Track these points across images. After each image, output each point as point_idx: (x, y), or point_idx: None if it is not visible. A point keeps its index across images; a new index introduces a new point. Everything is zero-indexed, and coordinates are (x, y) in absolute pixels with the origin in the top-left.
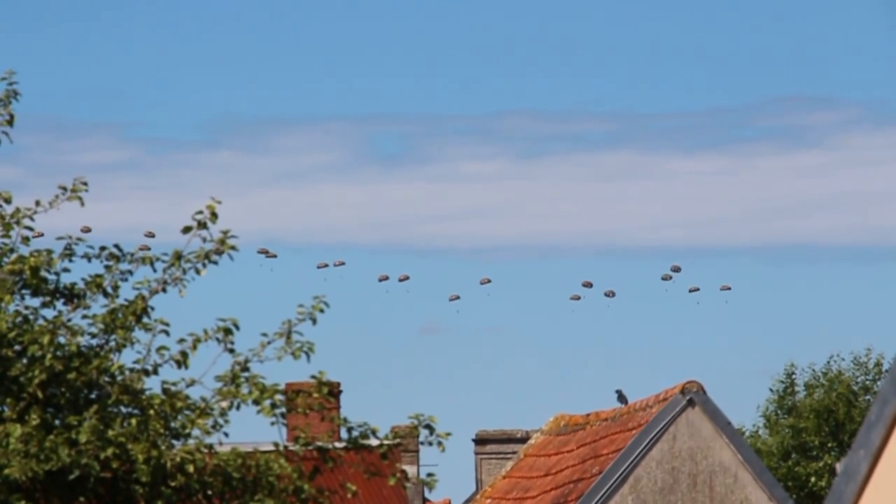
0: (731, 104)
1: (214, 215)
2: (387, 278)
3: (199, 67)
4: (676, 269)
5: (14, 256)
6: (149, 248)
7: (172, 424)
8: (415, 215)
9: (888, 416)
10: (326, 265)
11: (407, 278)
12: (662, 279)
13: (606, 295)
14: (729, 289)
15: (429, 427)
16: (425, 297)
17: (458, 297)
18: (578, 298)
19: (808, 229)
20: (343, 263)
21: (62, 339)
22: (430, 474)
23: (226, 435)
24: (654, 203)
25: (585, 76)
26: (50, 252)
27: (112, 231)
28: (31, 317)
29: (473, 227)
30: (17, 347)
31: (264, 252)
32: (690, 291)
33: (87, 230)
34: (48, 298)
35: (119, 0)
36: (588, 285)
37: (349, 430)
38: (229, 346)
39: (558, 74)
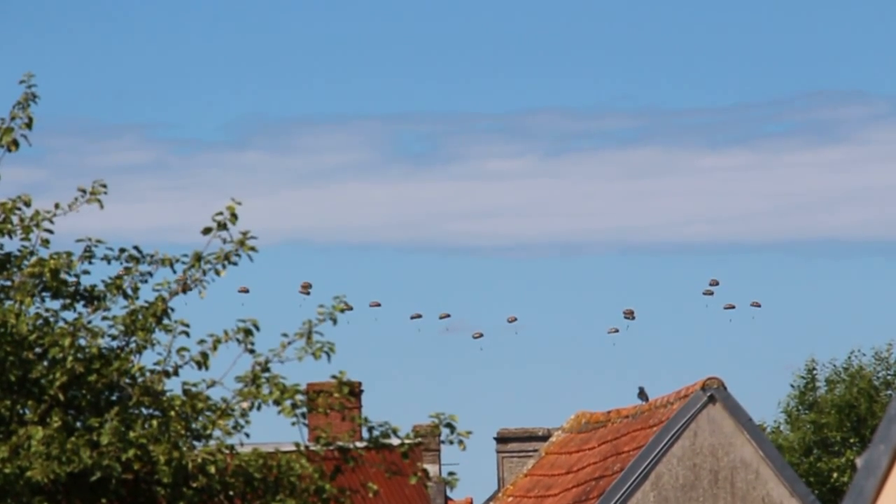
0: (759, 99)
1: (234, 216)
2: (420, 316)
3: (224, 68)
4: (715, 283)
5: (34, 259)
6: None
7: (193, 425)
8: (441, 214)
9: None
10: (350, 307)
11: (447, 316)
12: (704, 294)
13: (626, 317)
14: (759, 305)
15: (450, 426)
16: (450, 295)
17: (481, 335)
18: (617, 331)
19: (836, 224)
20: (378, 304)
21: (83, 342)
22: (451, 473)
23: (247, 435)
24: (681, 199)
25: (612, 73)
26: (70, 254)
27: (137, 232)
28: (51, 319)
29: (500, 226)
30: (37, 350)
31: (305, 288)
32: (725, 308)
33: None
34: (68, 301)
35: (144, 2)
36: (629, 314)
37: (370, 429)
38: (249, 346)
39: (584, 71)
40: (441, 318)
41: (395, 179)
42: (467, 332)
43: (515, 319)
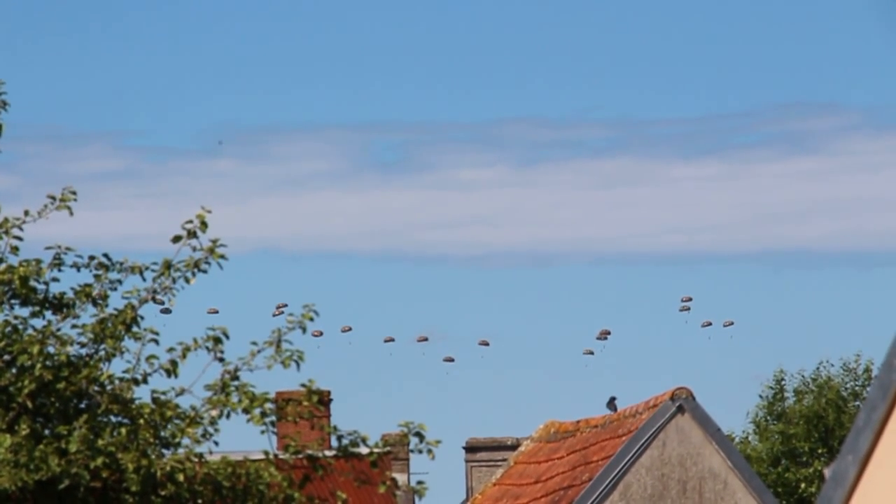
0: (731, 110)
1: (204, 224)
2: (392, 340)
3: (196, 76)
4: (689, 299)
5: (3, 266)
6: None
7: (162, 433)
8: (413, 223)
9: (876, 422)
10: (321, 333)
11: (425, 339)
12: (680, 311)
13: (600, 338)
14: (732, 324)
15: (419, 435)
16: (422, 304)
17: (452, 360)
18: (592, 353)
19: (807, 235)
20: (350, 329)
21: (51, 349)
22: (420, 482)
23: (216, 444)
24: (653, 209)
25: (584, 83)
26: (39, 262)
27: (107, 240)
28: (20, 327)
29: (472, 235)
30: (6, 357)
31: (279, 309)
32: (703, 326)
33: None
34: (37, 308)
35: (116, 9)
36: (604, 336)
37: (339, 438)
38: (219, 355)
39: (557, 81)
40: (419, 340)
41: (366, 188)
42: (437, 341)
43: (487, 344)
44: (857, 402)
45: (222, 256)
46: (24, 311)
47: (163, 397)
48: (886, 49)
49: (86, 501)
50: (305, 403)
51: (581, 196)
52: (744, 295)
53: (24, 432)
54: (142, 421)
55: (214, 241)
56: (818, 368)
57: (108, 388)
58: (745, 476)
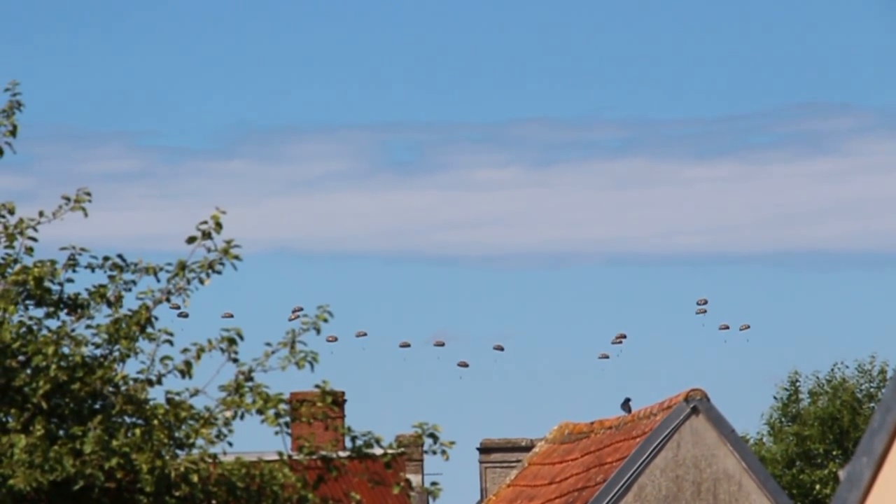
0: (746, 110)
1: (219, 225)
2: (408, 345)
3: (211, 76)
4: (704, 302)
5: (18, 267)
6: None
7: (176, 434)
8: (428, 223)
9: (891, 424)
10: (336, 339)
11: (442, 344)
12: (697, 313)
13: (616, 341)
14: (748, 327)
15: (433, 436)
16: (436, 305)
17: (466, 365)
18: (607, 357)
19: (822, 236)
20: (365, 334)
21: (66, 350)
22: (434, 483)
23: (230, 444)
24: (667, 210)
25: (598, 83)
26: (54, 262)
27: (122, 240)
28: (35, 327)
29: (486, 235)
30: (21, 358)
31: (295, 313)
32: (720, 329)
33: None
34: (52, 309)
35: (131, 10)
36: (618, 340)
37: (353, 439)
38: (233, 355)
39: (571, 82)
40: (436, 345)
41: (381, 189)
42: (452, 341)
43: (502, 349)
44: (872, 404)
45: (237, 257)
46: (39, 312)
47: (177, 398)
48: None
49: (100, 502)
50: (319, 404)
51: (595, 197)
52: (758, 296)
53: (38, 433)
54: (156, 422)
55: (229, 242)
56: (833, 370)
57: (123, 388)
58: (760, 478)
